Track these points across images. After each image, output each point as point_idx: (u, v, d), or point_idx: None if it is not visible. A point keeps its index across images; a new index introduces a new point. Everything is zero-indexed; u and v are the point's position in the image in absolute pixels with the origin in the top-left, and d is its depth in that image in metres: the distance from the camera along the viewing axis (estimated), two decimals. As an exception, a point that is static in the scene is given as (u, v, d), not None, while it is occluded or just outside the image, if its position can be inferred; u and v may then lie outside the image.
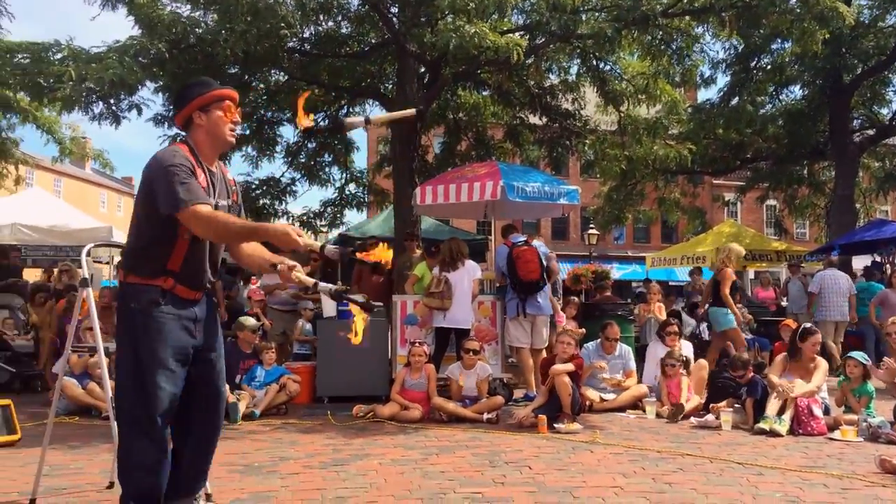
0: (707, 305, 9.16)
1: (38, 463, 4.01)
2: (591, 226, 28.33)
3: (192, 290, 3.40)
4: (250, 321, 7.85)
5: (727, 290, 8.59)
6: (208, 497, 3.89)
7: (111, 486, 3.96)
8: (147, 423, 3.26)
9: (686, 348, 8.04)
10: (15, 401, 5.98)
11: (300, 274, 3.31)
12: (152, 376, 3.24)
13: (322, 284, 3.30)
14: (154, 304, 3.29)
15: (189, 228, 3.22)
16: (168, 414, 3.30)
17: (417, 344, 7.28)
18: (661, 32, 9.57)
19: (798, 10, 9.62)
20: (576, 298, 10.21)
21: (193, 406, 3.51)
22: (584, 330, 8.84)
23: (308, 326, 9.29)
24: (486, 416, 6.75)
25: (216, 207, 3.35)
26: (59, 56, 9.30)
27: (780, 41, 15.61)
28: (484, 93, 13.41)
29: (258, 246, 3.55)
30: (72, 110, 9.58)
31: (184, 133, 3.48)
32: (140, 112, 10.20)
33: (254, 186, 13.77)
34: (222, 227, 3.23)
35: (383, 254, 3.35)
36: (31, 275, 13.50)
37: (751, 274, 23.40)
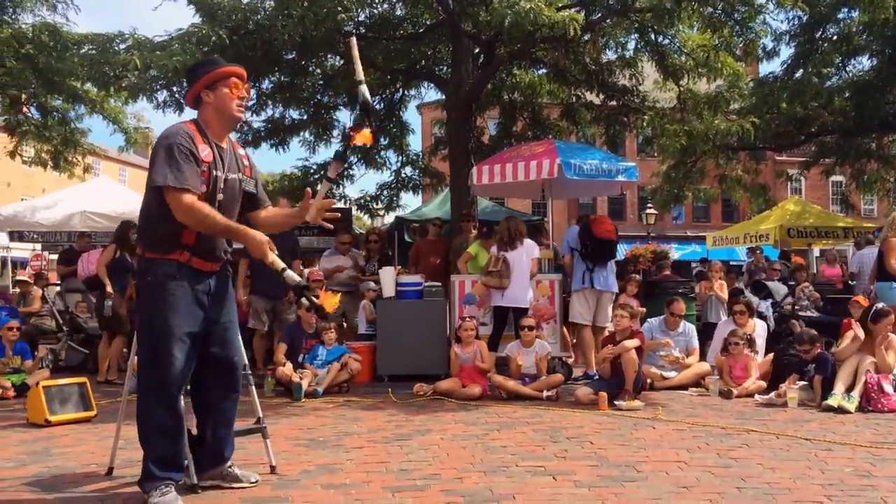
0: (875, 281, 8.18)
1: (114, 437, 4.18)
2: (649, 205, 27.91)
3: (208, 262, 3.57)
4: (306, 301, 7.97)
5: (894, 262, 7.73)
6: (273, 469, 4.00)
7: (110, 471, 4.08)
8: (161, 391, 3.45)
9: (759, 328, 7.86)
10: (90, 381, 6.21)
11: (274, 257, 3.48)
12: (166, 346, 3.42)
13: (288, 273, 3.46)
14: (169, 277, 3.46)
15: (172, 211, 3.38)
16: (180, 382, 3.48)
17: (467, 318, 7.38)
18: (721, 3, 9.31)
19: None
20: (637, 276, 10.11)
21: (209, 379, 3.70)
22: (643, 309, 8.75)
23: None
24: (545, 393, 6.76)
25: (225, 180, 3.55)
26: (123, 46, 9.55)
27: (846, 9, 15.03)
28: (539, 71, 13.29)
29: (274, 213, 3.89)
30: (137, 98, 9.84)
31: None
32: (202, 99, 10.43)
33: (311, 171, 13.96)
34: (202, 220, 3.39)
35: (329, 301, 3.69)
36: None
37: (816, 251, 22.76)
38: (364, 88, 3.78)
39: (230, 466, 3.82)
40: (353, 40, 3.94)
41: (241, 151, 3.79)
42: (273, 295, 7.98)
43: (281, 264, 3.46)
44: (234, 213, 3.67)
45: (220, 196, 3.53)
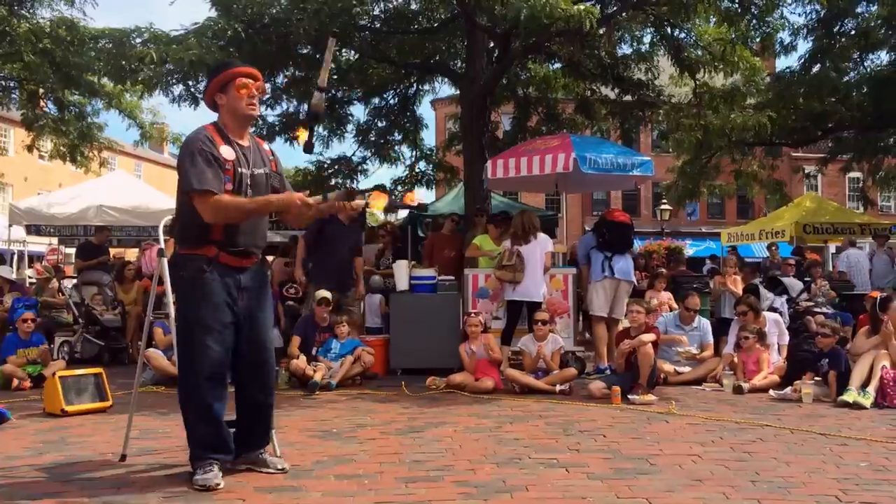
0: None
1: (127, 424, 4.26)
2: (664, 201, 27.80)
3: (238, 258, 3.72)
4: (319, 294, 8.00)
5: None
6: (283, 470, 3.97)
7: (123, 458, 4.16)
8: (197, 379, 3.63)
9: (772, 322, 7.77)
10: (105, 372, 6.27)
11: (316, 198, 3.70)
12: (200, 336, 3.61)
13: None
14: (200, 271, 3.63)
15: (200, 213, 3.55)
16: (215, 371, 3.64)
17: (473, 314, 7.40)
18: (739, -4, 9.26)
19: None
20: (664, 270, 10.09)
21: (241, 374, 3.86)
22: (657, 302, 8.72)
23: (375, 298, 9.33)
24: (558, 387, 6.75)
25: (252, 175, 3.71)
26: (140, 40, 9.60)
27: (865, 3, 14.88)
28: (555, 66, 13.25)
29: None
30: (153, 92, 9.90)
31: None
32: (218, 93, 10.46)
33: (325, 166, 13.99)
34: (229, 211, 3.57)
35: (378, 201, 3.87)
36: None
37: (832, 248, 22.57)
38: (320, 96, 3.96)
39: (262, 453, 3.96)
40: (332, 42, 4.10)
41: (266, 147, 3.97)
42: (340, 288, 7.92)
43: (327, 196, 3.65)
44: (265, 216, 3.90)
45: (249, 192, 3.70)
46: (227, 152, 3.63)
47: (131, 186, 14.19)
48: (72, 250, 14.56)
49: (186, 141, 3.66)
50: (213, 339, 3.62)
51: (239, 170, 3.66)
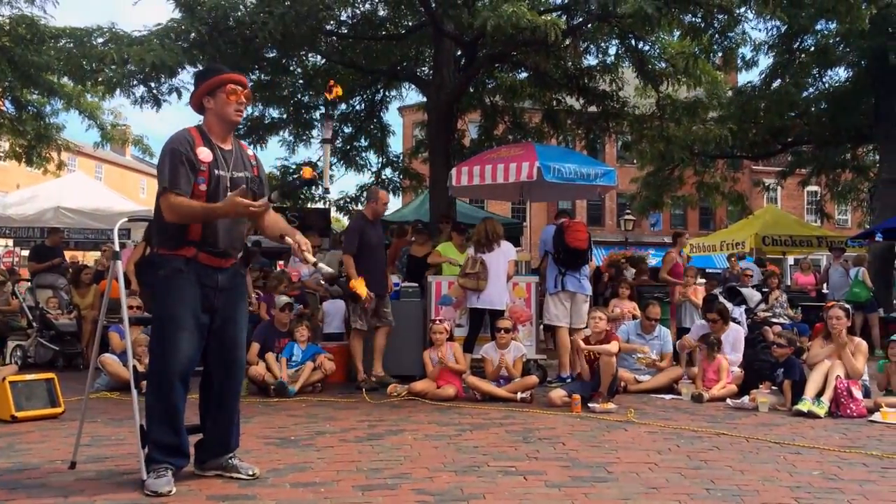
0: None
1: (77, 432, 4.16)
2: (628, 211, 28.10)
3: (216, 258, 3.74)
4: (281, 299, 7.93)
5: None
6: (254, 476, 3.89)
7: (73, 465, 4.07)
8: (169, 379, 3.63)
9: (733, 331, 7.86)
10: (59, 378, 6.12)
11: (307, 253, 3.63)
12: (173, 335, 3.62)
13: (322, 266, 3.65)
14: (178, 271, 3.66)
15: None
16: (185, 371, 3.65)
17: (437, 322, 7.35)
18: (701, 10, 9.39)
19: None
20: (629, 278, 10.16)
21: (213, 374, 3.86)
22: (620, 311, 8.77)
23: (329, 306, 9.23)
24: (520, 395, 6.75)
25: (232, 178, 3.74)
26: (101, 40, 9.45)
27: (824, 21, 15.20)
28: (521, 75, 13.33)
29: (278, 219, 3.97)
30: (114, 93, 9.77)
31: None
32: (180, 95, 10.36)
33: (291, 171, 13.89)
34: (181, 212, 3.59)
35: (361, 286, 4.22)
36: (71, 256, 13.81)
37: (790, 260, 23.03)
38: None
39: (231, 458, 3.91)
40: (328, 147, 4.28)
41: (250, 153, 3.99)
42: (377, 293, 7.64)
43: (264, 202, 3.59)
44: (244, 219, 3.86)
45: (229, 194, 3.65)
46: (204, 154, 3.66)
47: (91, 188, 13.95)
48: (27, 252, 14.26)
49: (166, 142, 3.71)
50: (186, 339, 3.63)
51: (216, 172, 3.69)
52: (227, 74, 3.82)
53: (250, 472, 3.87)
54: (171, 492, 3.53)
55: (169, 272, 3.66)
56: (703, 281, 11.54)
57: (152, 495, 3.51)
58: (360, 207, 15.14)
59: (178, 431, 3.72)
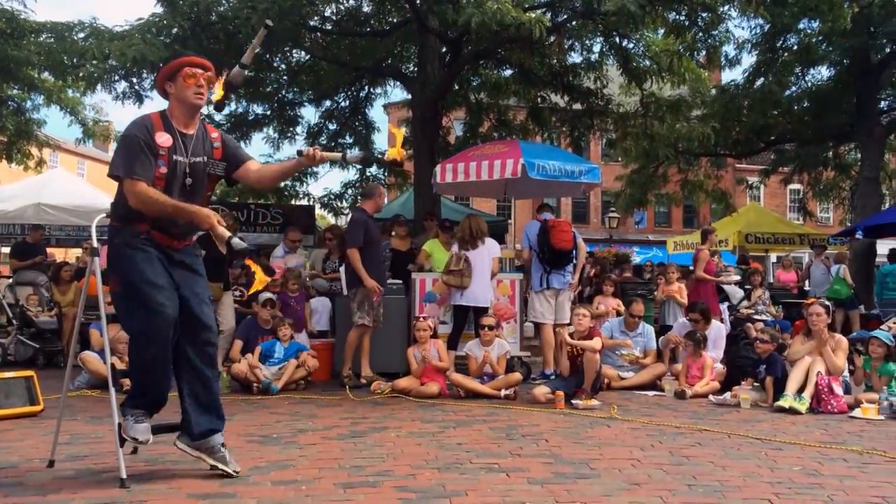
0: None
1: (55, 430, 4.12)
2: (612, 209, 28.20)
3: (169, 238, 3.75)
4: (262, 296, 7.88)
5: None
6: (213, 467, 3.86)
7: (51, 464, 4.03)
8: (146, 338, 3.61)
9: (716, 328, 7.89)
10: (39, 375, 6.05)
11: (222, 228, 3.60)
12: (149, 294, 3.58)
13: (236, 240, 3.54)
14: (135, 237, 3.67)
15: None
16: (164, 326, 3.60)
17: (421, 319, 7.34)
18: (685, 8, 9.42)
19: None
20: (613, 276, 10.19)
21: (181, 359, 3.80)
22: (604, 308, 8.79)
23: (321, 301, 9.20)
24: (503, 392, 6.75)
25: (191, 164, 3.74)
26: (82, 35, 9.36)
27: (807, 20, 15.31)
28: (506, 72, 13.33)
29: (266, 170, 4.03)
30: (95, 88, 9.67)
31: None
32: (162, 91, 10.25)
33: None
34: (151, 204, 3.58)
35: (261, 278, 4.15)
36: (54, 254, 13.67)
37: (773, 257, 23.19)
38: (241, 72, 3.99)
39: (223, 445, 3.88)
40: (263, 31, 4.23)
41: (214, 135, 3.94)
42: (383, 283, 7.75)
43: (227, 233, 3.56)
44: (201, 194, 3.84)
45: (188, 180, 3.73)
46: (163, 139, 3.64)
47: (72, 185, 13.84)
48: (7, 249, 14.10)
49: (126, 128, 3.74)
50: (163, 296, 3.60)
51: (174, 157, 3.67)
52: (186, 58, 3.84)
53: (230, 470, 3.82)
54: (148, 440, 3.60)
55: (127, 238, 3.66)
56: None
57: (131, 440, 3.57)
58: (344, 204, 15.13)
59: (163, 388, 3.73)
